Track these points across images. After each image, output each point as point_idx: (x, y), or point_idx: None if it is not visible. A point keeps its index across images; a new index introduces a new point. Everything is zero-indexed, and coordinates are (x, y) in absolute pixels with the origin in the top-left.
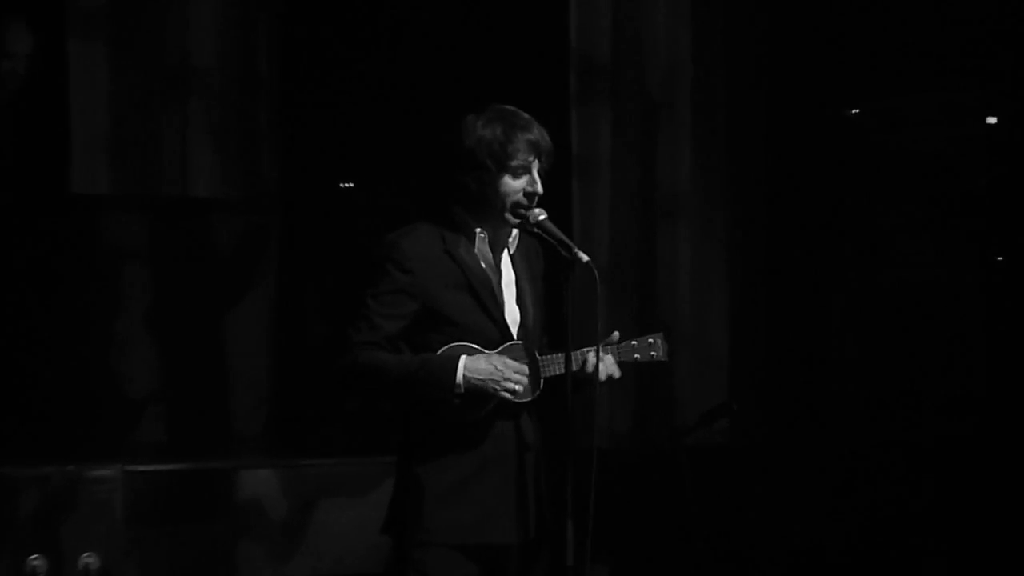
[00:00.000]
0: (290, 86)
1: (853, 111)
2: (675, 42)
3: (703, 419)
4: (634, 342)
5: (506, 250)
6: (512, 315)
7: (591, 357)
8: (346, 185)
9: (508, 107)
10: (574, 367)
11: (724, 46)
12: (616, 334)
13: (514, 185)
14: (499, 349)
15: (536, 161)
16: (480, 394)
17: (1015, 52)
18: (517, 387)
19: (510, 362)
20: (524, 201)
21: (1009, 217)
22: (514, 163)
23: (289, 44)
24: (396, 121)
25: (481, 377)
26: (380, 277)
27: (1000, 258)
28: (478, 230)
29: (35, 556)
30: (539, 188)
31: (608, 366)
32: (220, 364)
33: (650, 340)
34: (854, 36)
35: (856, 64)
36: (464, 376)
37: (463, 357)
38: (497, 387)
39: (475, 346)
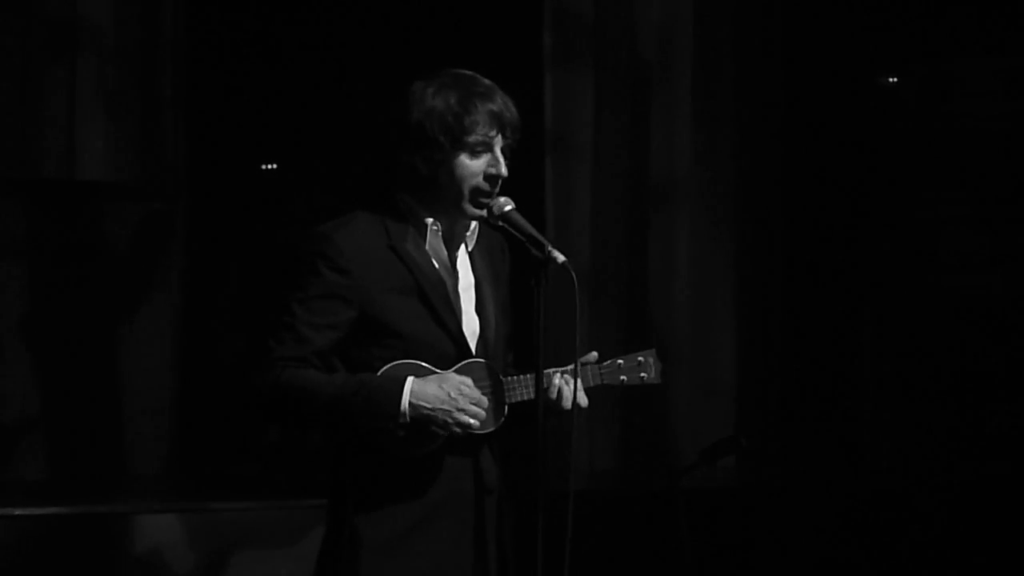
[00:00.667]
0: (200, 47)
1: (891, 79)
2: None
3: (704, 456)
4: (620, 361)
5: (463, 246)
6: (471, 326)
7: (556, 379)
8: (268, 167)
9: (465, 71)
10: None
11: None
12: (594, 354)
13: (472, 166)
14: (455, 368)
15: (499, 137)
16: (429, 425)
17: None
18: (473, 421)
19: (467, 387)
20: (485, 186)
21: None
22: (471, 139)
23: None
24: (329, 89)
25: (430, 405)
26: (308, 278)
27: None
28: (429, 221)
29: None
30: (503, 170)
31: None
32: (112, 385)
33: (639, 359)
34: None
35: (895, 21)
36: (410, 403)
37: (410, 379)
38: (448, 419)
39: (425, 364)
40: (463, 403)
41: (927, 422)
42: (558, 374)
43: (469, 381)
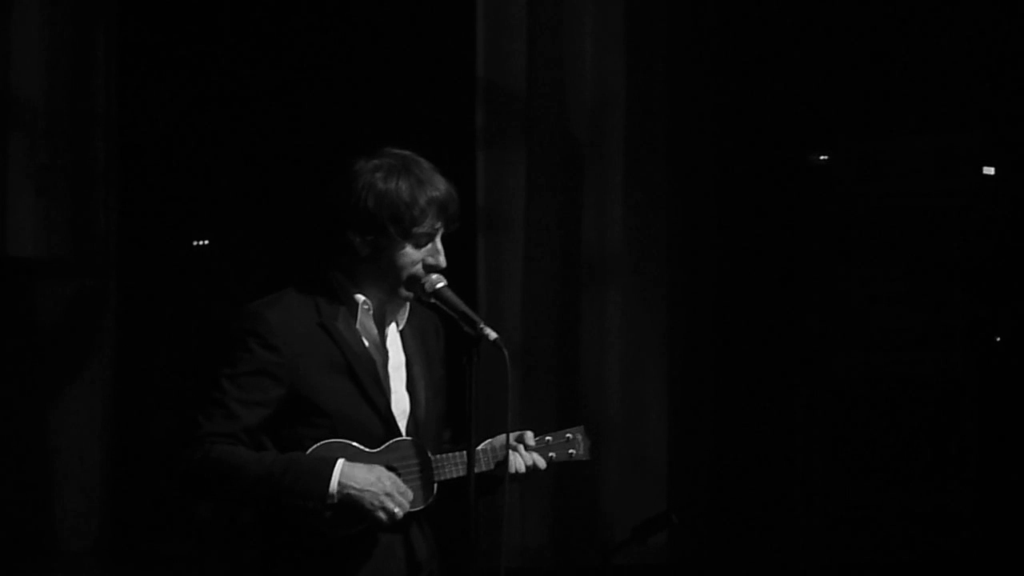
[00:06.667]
0: (132, 122)
1: (822, 157)
2: (605, 71)
3: (636, 533)
4: (548, 437)
5: (395, 324)
6: (400, 404)
7: (511, 455)
8: (199, 243)
9: (406, 153)
10: (488, 467)
11: (665, 76)
12: (529, 433)
13: (414, 256)
14: (383, 447)
15: (442, 228)
16: (356, 507)
17: (1018, 89)
18: (396, 510)
19: (398, 480)
20: (422, 274)
21: (1011, 289)
22: (418, 230)
23: (131, 72)
24: (262, 165)
25: (358, 486)
26: (238, 355)
27: (999, 339)
28: (360, 299)
29: None
30: (442, 261)
31: (524, 458)
32: (43, 461)
33: (568, 435)
34: (824, 66)
35: (827, 100)
36: (339, 482)
37: (340, 461)
38: (375, 503)
39: (354, 444)
40: (391, 488)
41: (858, 499)
42: (491, 443)
43: (398, 480)
